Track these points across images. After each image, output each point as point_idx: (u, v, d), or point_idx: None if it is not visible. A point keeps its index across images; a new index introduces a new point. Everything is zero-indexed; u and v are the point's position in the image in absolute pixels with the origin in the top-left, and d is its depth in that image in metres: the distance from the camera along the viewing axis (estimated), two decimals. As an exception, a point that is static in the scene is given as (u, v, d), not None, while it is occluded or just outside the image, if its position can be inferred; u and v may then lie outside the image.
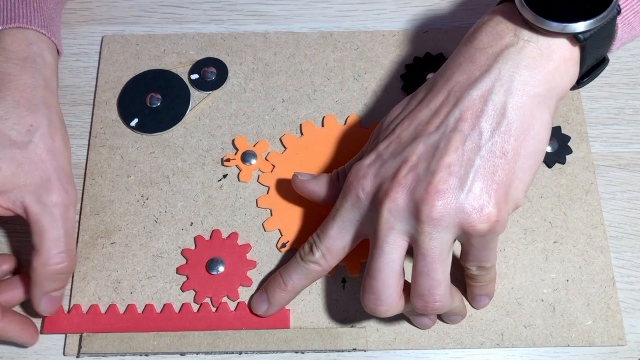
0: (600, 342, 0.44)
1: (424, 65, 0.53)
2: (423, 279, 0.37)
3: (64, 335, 0.45)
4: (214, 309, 0.45)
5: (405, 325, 0.45)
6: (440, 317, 0.44)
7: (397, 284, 0.38)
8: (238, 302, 0.45)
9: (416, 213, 0.36)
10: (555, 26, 0.37)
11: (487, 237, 0.37)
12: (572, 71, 0.39)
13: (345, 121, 0.51)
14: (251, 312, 0.45)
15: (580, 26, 0.37)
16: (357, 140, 0.50)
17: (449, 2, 0.56)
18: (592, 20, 0.37)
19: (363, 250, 0.46)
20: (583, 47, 0.38)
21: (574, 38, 0.37)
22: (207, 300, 0.45)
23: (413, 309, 0.41)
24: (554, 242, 0.47)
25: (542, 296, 0.45)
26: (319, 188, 0.45)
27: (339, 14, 0.56)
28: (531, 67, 0.37)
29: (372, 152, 0.40)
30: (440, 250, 0.37)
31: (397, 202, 0.37)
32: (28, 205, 0.42)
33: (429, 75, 0.52)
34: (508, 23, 0.39)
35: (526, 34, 0.38)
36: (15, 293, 0.44)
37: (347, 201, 0.40)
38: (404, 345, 0.44)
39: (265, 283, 0.45)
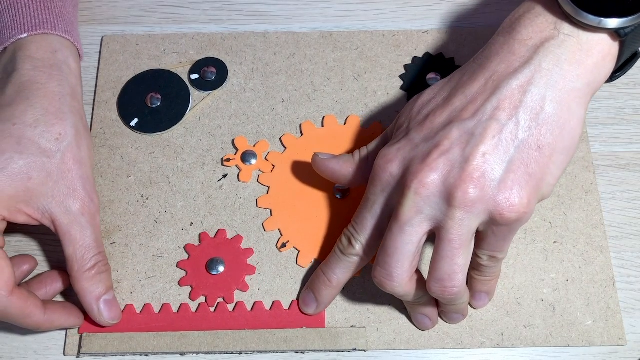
0: (600, 342, 0.44)
1: (423, 65, 0.53)
2: (445, 264, 0.37)
3: (64, 335, 0.45)
4: (247, 307, 0.45)
5: (405, 325, 0.45)
6: (440, 316, 0.44)
7: (411, 265, 0.39)
8: (273, 302, 0.45)
9: (448, 198, 0.37)
10: (592, 19, 0.37)
11: (512, 226, 0.38)
12: (609, 66, 0.39)
13: (345, 121, 0.51)
14: (301, 312, 0.45)
15: (614, 22, 0.37)
16: (357, 140, 0.50)
17: (449, 2, 0.56)
18: (635, 16, 0.37)
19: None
20: (622, 42, 0.38)
21: (615, 33, 0.37)
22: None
23: (418, 299, 0.41)
24: (554, 242, 0.47)
25: (542, 296, 0.45)
26: (339, 167, 0.44)
27: (339, 14, 0.56)
28: (571, 62, 0.38)
29: (403, 138, 0.40)
30: (467, 236, 0.37)
31: (428, 186, 0.37)
32: (56, 217, 0.42)
33: (429, 76, 0.52)
34: (548, 15, 0.39)
35: (567, 28, 0.38)
36: (54, 286, 0.44)
37: (376, 187, 0.40)
38: (404, 345, 0.44)
39: (309, 282, 0.45)
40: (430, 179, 0.37)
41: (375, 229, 0.41)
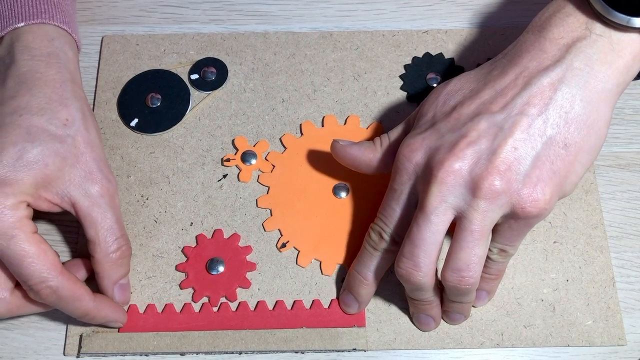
0: (600, 342, 0.44)
1: (423, 65, 0.53)
2: (464, 253, 0.38)
3: (64, 335, 0.45)
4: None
5: (405, 325, 0.45)
6: (442, 316, 0.44)
7: (437, 255, 0.39)
8: (313, 300, 0.45)
9: (473, 189, 0.37)
10: (621, 18, 0.37)
11: (530, 221, 0.38)
12: (637, 67, 0.39)
13: (345, 121, 0.51)
14: (344, 312, 0.45)
15: (637, 21, 0.37)
16: (357, 140, 0.50)
17: (449, 2, 0.56)
18: None
19: (363, 250, 0.46)
20: None
21: None
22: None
23: (428, 298, 0.41)
24: (554, 242, 0.47)
25: (542, 296, 0.45)
26: (360, 153, 0.44)
27: (339, 14, 0.56)
28: (603, 62, 0.38)
29: (429, 128, 0.40)
30: (488, 227, 0.38)
31: (453, 174, 0.37)
32: (76, 201, 0.42)
33: (429, 76, 0.52)
34: (578, 14, 0.39)
35: (598, 28, 0.38)
36: (79, 275, 0.44)
37: (402, 176, 0.40)
38: (404, 345, 0.44)
39: (344, 284, 0.45)
40: (457, 168, 0.37)
41: (405, 219, 0.41)
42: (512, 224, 0.39)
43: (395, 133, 0.44)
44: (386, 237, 0.41)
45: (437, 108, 0.41)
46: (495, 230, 0.40)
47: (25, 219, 0.40)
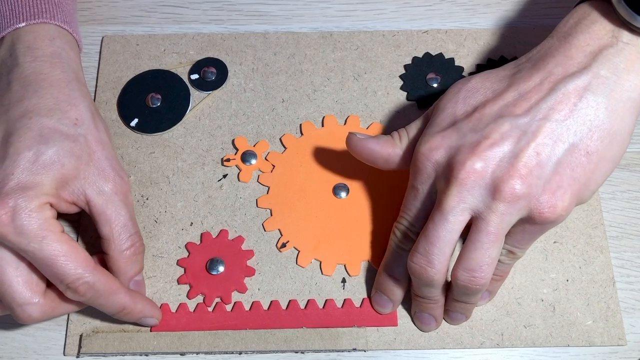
0: (600, 342, 0.44)
1: (423, 65, 0.53)
2: (478, 254, 0.38)
3: (64, 335, 0.45)
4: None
5: (405, 325, 0.45)
6: (444, 315, 0.44)
7: (450, 254, 0.39)
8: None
9: (493, 191, 0.37)
10: None
11: (545, 226, 0.38)
12: None
13: (345, 121, 0.51)
14: (377, 313, 0.45)
15: None
16: (357, 140, 0.50)
17: (449, 2, 0.56)
18: None
19: (363, 249, 0.46)
20: None
21: None
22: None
23: (434, 297, 0.41)
24: (554, 242, 0.47)
25: (542, 296, 0.45)
26: (379, 147, 0.44)
27: (339, 14, 0.56)
28: (629, 70, 0.38)
29: (449, 127, 0.40)
30: (504, 230, 0.38)
31: (474, 175, 0.37)
32: (91, 199, 0.42)
33: (429, 76, 0.52)
34: (604, 22, 0.39)
35: (625, 36, 0.38)
36: None
37: (422, 175, 0.40)
38: (404, 345, 0.44)
39: (376, 284, 0.44)
40: (478, 169, 0.37)
41: (427, 217, 0.40)
42: (526, 227, 0.39)
43: (414, 128, 0.44)
44: (411, 235, 0.41)
45: (457, 105, 0.41)
46: (507, 231, 0.40)
47: (52, 219, 0.40)
